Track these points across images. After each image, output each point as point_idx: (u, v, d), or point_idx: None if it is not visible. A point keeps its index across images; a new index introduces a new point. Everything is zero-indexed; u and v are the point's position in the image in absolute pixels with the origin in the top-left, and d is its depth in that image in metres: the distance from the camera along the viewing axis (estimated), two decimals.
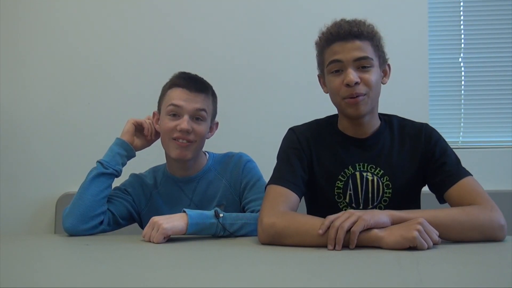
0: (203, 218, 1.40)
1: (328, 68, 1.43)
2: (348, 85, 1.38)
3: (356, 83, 1.38)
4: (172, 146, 1.60)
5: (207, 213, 1.42)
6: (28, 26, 2.53)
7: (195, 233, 1.40)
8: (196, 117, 1.60)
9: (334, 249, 1.18)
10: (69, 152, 2.49)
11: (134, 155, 1.68)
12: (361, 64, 1.39)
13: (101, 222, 1.57)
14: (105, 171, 1.59)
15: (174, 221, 1.37)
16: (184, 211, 1.40)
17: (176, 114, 1.59)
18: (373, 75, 1.40)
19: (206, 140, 1.68)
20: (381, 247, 1.17)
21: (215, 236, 1.43)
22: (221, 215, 1.42)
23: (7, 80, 2.52)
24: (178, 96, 1.59)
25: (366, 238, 1.18)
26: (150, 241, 1.37)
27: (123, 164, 1.65)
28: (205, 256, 1.22)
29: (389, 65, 1.50)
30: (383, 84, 1.49)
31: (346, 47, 1.40)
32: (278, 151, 1.53)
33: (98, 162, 1.61)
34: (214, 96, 1.68)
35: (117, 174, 1.62)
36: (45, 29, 2.52)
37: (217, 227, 1.41)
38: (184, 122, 1.57)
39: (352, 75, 1.37)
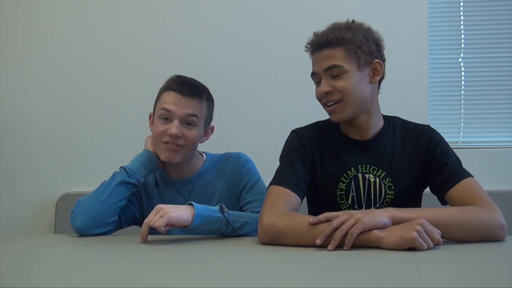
0: (209, 211, 1.40)
1: (313, 80, 1.48)
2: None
3: (327, 93, 1.41)
4: (161, 149, 1.59)
5: (213, 207, 1.43)
6: (27, 26, 2.53)
7: (199, 227, 1.39)
8: (187, 122, 1.58)
9: (321, 244, 1.18)
10: (69, 152, 2.49)
11: (156, 170, 1.67)
12: (332, 73, 1.41)
13: (110, 229, 1.57)
14: (129, 180, 1.56)
15: (180, 211, 1.37)
16: (191, 204, 1.40)
17: (167, 118, 1.58)
18: (347, 81, 1.40)
19: (205, 142, 1.68)
20: (380, 248, 1.17)
21: (218, 232, 1.43)
22: (226, 210, 1.42)
23: (7, 80, 2.53)
24: (170, 100, 1.57)
25: (365, 238, 1.18)
26: (151, 226, 1.34)
27: (145, 177, 1.63)
28: (205, 256, 1.22)
29: (380, 63, 1.44)
30: (374, 82, 1.44)
31: (318, 58, 1.44)
32: (280, 153, 1.53)
33: (122, 168, 1.58)
34: (209, 100, 1.65)
35: (138, 185, 1.60)
36: (45, 29, 2.53)
37: (222, 221, 1.41)
38: (174, 127, 1.55)
39: (323, 86, 1.41)
